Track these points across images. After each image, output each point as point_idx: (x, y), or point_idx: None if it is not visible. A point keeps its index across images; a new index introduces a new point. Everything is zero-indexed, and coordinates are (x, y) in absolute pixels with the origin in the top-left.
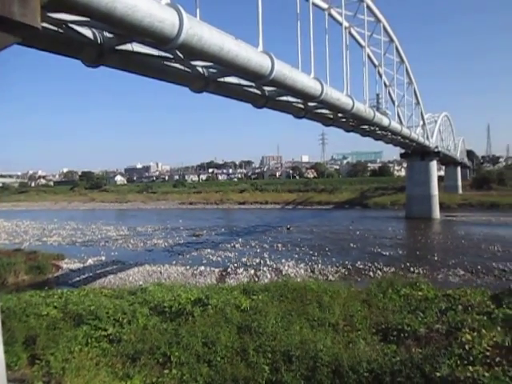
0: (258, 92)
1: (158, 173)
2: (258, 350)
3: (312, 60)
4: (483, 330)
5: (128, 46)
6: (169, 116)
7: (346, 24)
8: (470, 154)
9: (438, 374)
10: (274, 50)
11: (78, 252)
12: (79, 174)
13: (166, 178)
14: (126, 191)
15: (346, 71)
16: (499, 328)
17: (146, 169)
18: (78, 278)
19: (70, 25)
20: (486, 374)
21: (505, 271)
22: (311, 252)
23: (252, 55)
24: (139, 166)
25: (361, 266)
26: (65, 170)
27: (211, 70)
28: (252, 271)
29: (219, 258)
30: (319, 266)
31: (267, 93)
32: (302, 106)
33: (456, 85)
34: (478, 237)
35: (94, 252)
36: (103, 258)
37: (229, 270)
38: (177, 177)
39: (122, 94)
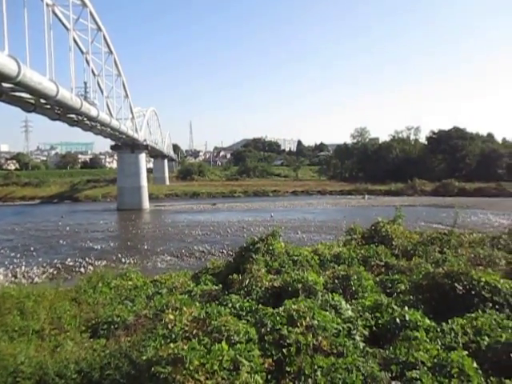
0: None
1: None
2: None
3: (5, 34)
4: (184, 308)
5: None
6: None
7: (48, 1)
8: (176, 147)
9: (143, 358)
10: None
11: None
12: None
13: None
14: None
15: (50, 53)
16: (197, 303)
17: None
18: None
19: None
20: (185, 347)
21: (203, 252)
22: (13, 254)
23: None
24: None
25: (71, 263)
26: None
27: None
28: None
29: None
30: (23, 268)
31: None
32: None
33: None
34: (182, 223)
35: None
36: None
37: None
38: None
39: None
